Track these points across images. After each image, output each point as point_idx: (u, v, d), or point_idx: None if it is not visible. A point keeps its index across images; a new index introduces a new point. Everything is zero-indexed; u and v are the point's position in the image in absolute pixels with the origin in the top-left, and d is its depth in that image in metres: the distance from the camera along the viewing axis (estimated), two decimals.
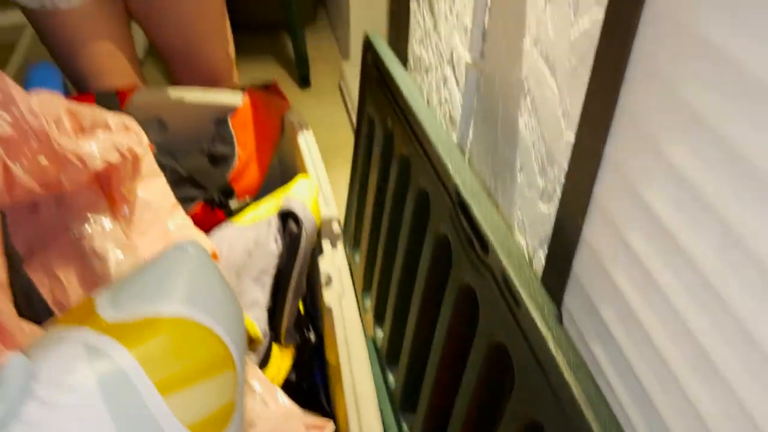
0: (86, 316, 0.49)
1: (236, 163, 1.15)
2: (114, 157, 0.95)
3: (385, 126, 1.19)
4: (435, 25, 1.22)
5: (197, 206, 1.13)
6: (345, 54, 2.38)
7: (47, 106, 0.94)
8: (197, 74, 1.31)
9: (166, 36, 1.28)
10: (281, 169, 1.23)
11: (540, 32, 0.79)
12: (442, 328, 0.93)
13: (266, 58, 2.49)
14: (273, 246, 0.96)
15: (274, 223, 1.00)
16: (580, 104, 0.68)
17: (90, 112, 0.99)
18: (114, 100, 1.13)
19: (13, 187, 0.89)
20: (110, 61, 1.22)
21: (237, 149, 1.15)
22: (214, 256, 1.03)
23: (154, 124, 1.19)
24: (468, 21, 1.02)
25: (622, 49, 0.57)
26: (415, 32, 1.39)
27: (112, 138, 0.96)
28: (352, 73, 2.26)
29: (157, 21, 1.26)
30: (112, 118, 0.99)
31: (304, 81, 2.30)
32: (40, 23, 1.19)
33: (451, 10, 1.11)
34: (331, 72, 2.44)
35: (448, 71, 1.16)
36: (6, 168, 0.88)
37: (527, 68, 0.83)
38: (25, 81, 1.07)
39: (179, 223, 1.08)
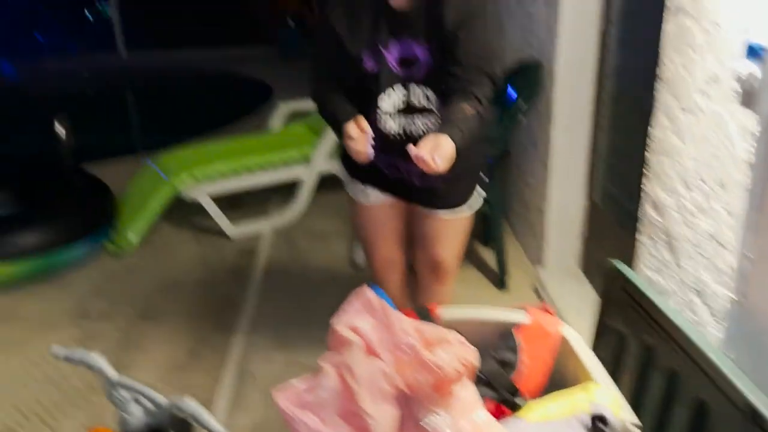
0: None
1: (520, 367, 1.43)
2: (460, 367, 1.26)
3: (642, 341, 1.44)
4: (677, 261, 1.51)
5: (488, 402, 1.40)
6: (536, 260, 2.72)
7: (404, 325, 1.28)
8: (428, 262, 1.90)
9: (419, 232, 1.87)
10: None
11: None
12: None
13: (465, 264, 2.88)
14: None
15: (576, 424, 1.24)
16: None
17: (430, 329, 1.33)
18: (429, 315, 1.48)
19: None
20: (386, 242, 1.90)
21: (520, 355, 1.44)
22: None
23: None
24: (724, 265, 1.30)
25: None
26: (644, 260, 1.68)
27: (455, 351, 1.28)
28: (548, 277, 2.57)
29: (418, 226, 1.87)
30: (450, 334, 1.32)
31: (502, 284, 2.64)
32: (353, 209, 1.88)
33: (698, 253, 1.40)
34: (519, 275, 2.76)
35: (695, 298, 1.43)
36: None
37: None
38: None
39: (482, 416, 1.36)
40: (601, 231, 2.40)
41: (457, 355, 1.30)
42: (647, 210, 1.66)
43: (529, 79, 2.53)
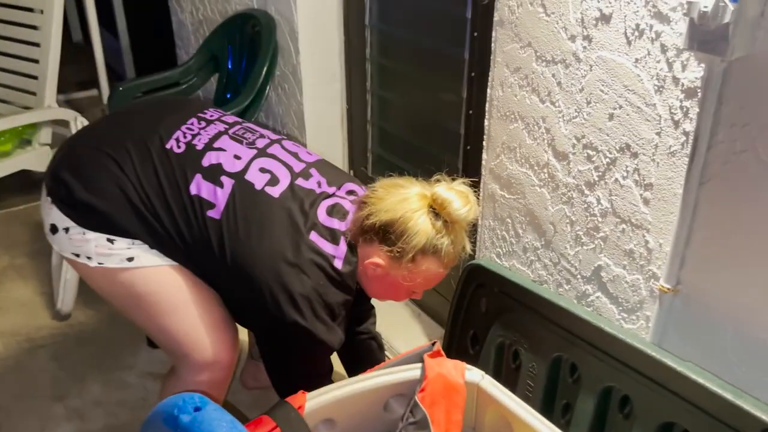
0: None
1: None
2: None
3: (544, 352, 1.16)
4: (546, 244, 1.25)
5: None
6: None
7: None
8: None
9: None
10: None
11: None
12: None
13: None
14: None
15: None
16: None
17: None
18: (294, 412, 0.95)
19: None
20: None
21: (432, 428, 1.02)
22: None
23: (321, 428, 1.01)
24: (636, 246, 1.07)
25: None
26: (492, 247, 1.41)
27: None
28: None
29: None
30: None
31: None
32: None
33: (589, 234, 1.16)
34: None
35: (590, 288, 1.19)
36: None
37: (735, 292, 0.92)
38: None
39: None
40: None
41: None
42: (491, 188, 1.37)
43: (262, 38, 1.99)
